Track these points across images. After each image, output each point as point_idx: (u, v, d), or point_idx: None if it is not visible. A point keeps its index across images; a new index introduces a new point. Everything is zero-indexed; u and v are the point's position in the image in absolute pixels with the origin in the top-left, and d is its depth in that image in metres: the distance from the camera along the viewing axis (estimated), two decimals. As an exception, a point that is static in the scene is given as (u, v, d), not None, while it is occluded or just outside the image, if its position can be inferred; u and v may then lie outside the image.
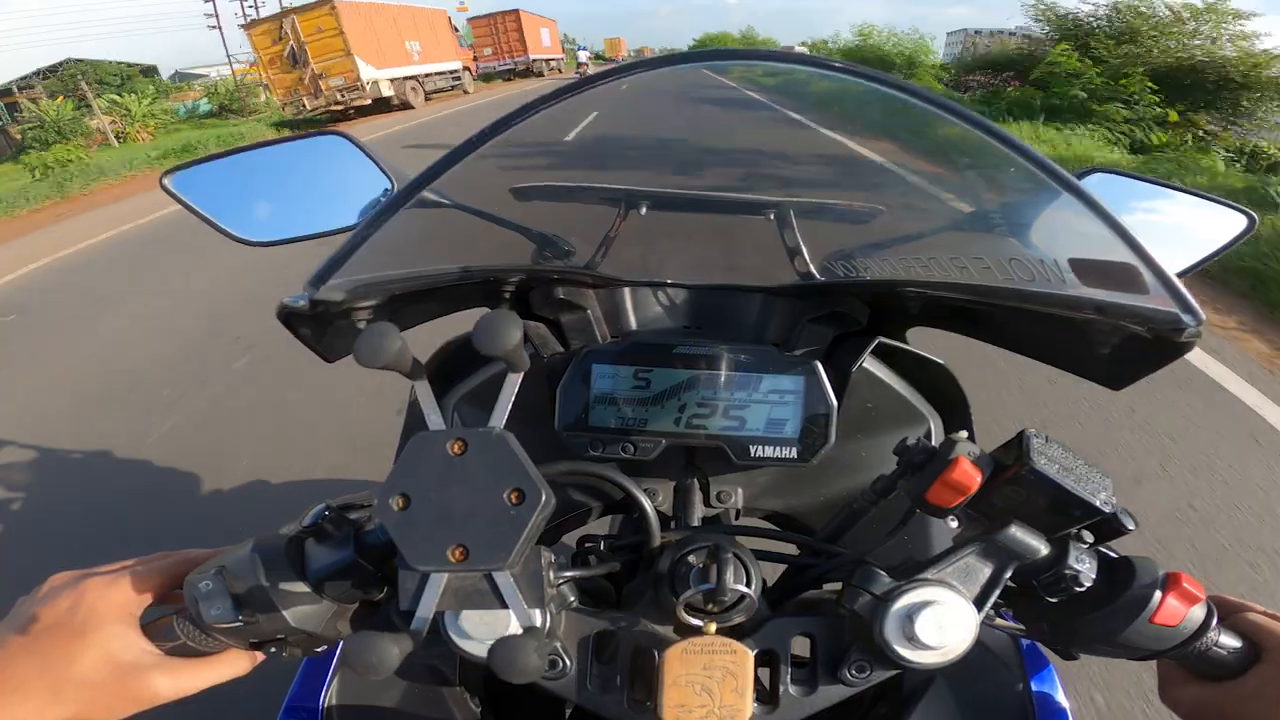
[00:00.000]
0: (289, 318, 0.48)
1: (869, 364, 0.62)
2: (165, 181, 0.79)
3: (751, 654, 0.47)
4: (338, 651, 0.63)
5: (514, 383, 0.39)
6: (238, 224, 0.77)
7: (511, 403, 0.39)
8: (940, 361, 0.63)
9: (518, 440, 0.39)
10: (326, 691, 0.61)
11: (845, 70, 0.43)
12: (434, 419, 0.39)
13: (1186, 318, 0.38)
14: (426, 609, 0.39)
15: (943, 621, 0.43)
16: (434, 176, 0.45)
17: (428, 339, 0.65)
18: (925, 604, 0.43)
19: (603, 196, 0.77)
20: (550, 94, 0.44)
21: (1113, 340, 0.45)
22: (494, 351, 0.36)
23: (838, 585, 0.53)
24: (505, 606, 0.39)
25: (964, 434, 0.47)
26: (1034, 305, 0.49)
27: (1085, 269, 0.42)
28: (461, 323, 0.67)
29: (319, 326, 0.50)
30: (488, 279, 0.61)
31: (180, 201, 0.77)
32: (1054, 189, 0.40)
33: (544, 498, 0.37)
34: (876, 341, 0.61)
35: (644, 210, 0.74)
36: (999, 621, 0.53)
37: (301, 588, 0.44)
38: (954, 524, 0.57)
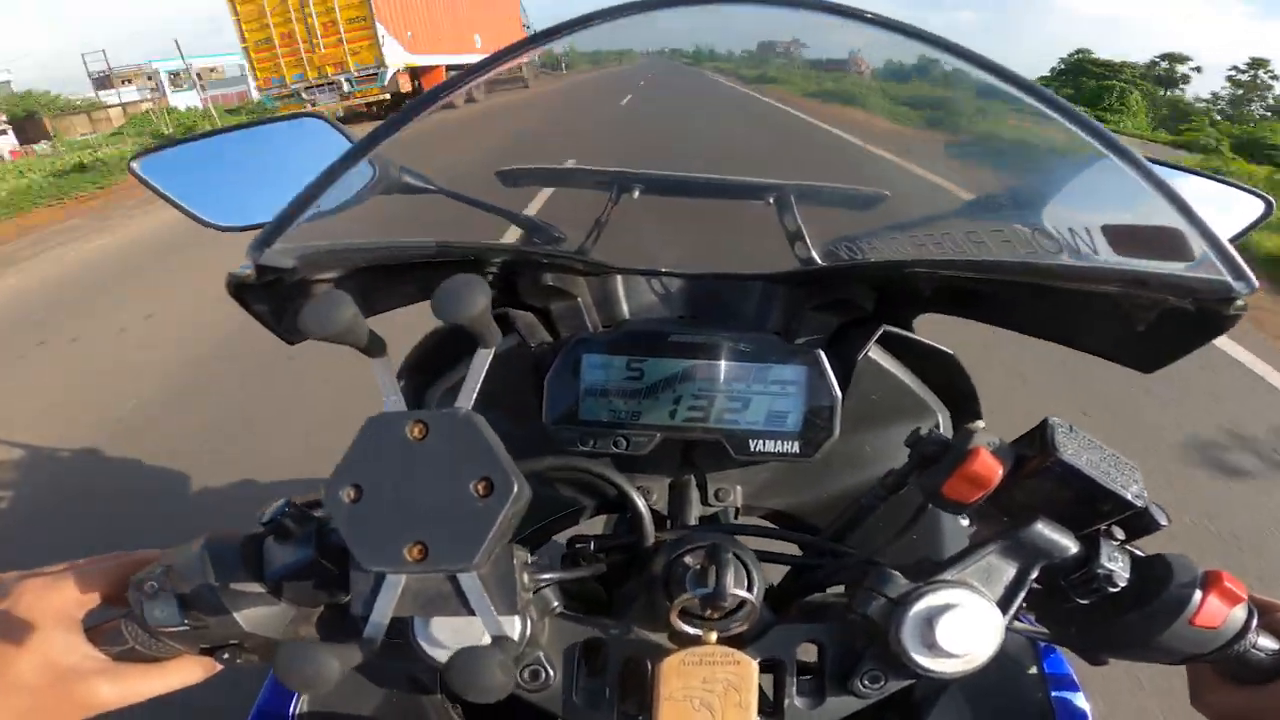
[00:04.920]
0: (240, 290, 0.44)
1: (874, 353, 0.58)
2: (134, 166, 0.75)
3: (756, 665, 0.43)
4: None
5: (484, 359, 0.35)
6: (209, 209, 0.74)
7: (480, 381, 0.35)
8: (949, 352, 0.60)
9: (496, 429, 0.35)
10: (298, 699, 0.58)
11: (868, 19, 0.39)
12: (392, 399, 0.35)
13: (1239, 285, 0.34)
14: (381, 614, 0.35)
15: (965, 626, 0.40)
16: (398, 126, 0.41)
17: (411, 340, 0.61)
18: (946, 607, 0.40)
19: (594, 180, 0.74)
20: (530, 39, 0.40)
21: (1148, 316, 0.41)
22: (456, 318, 0.32)
23: (842, 588, 0.49)
24: (471, 612, 0.35)
25: (981, 423, 0.44)
26: (1061, 281, 0.45)
27: (1121, 237, 0.39)
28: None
29: (276, 302, 0.47)
30: (468, 259, 0.57)
31: (149, 186, 0.74)
32: (1088, 149, 0.36)
33: (515, 488, 0.33)
34: (882, 330, 0.58)
35: (637, 194, 0.71)
36: (1018, 624, 0.49)
37: (256, 589, 0.41)
38: (965, 522, 0.54)
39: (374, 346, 0.34)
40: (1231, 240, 0.75)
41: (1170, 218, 0.34)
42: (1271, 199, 0.80)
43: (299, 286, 0.47)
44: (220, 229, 0.74)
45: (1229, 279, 0.34)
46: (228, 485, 2.57)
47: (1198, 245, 0.34)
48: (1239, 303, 0.35)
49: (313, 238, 0.43)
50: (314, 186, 0.40)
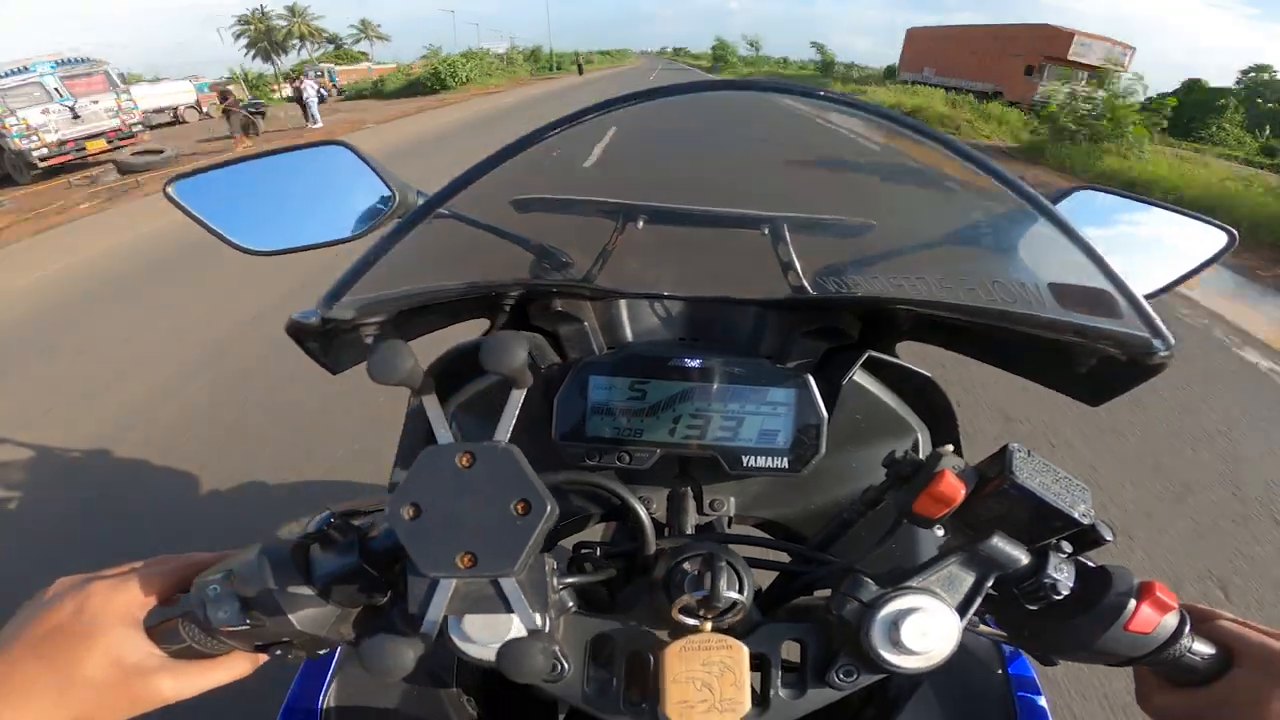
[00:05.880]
0: (298, 333, 0.49)
1: (859, 377, 0.63)
2: (169, 190, 0.79)
3: (747, 649, 0.48)
4: (337, 653, 0.64)
5: (518, 398, 0.41)
6: (241, 233, 0.77)
7: (515, 418, 0.41)
8: (928, 375, 0.65)
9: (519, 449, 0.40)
10: (325, 693, 0.62)
11: (837, 101, 0.44)
12: (443, 433, 0.41)
13: (1157, 342, 0.39)
14: (435, 613, 0.40)
15: (926, 628, 0.44)
16: (451, 194, 0.46)
17: (426, 345, 0.66)
18: (910, 611, 0.45)
19: (601, 210, 0.78)
20: (573, 115, 0.46)
21: (1090, 360, 0.46)
22: (501, 370, 0.37)
23: (828, 592, 0.55)
24: (510, 611, 0.41)
25: (950, 447, 0.48)
26: (1016, 326, 0.51)
27: (1063, 293, 0.44)
28: (458, 331, 0.68)
29: (327, 341, 0.52)
30: (489, 293, 0.62)
31: (184, 210, 0.78)
32: (1032, 213, 0.41)
33: (549, 509, 0.39)
34: (866, 355, 0.62)
35: (641, 224, 0.76)
36: (983, 628, 0.54)
37: (307, 592, 0.45)
38: (940, 533, 0.59)
39: (425, 387, 0.40)
40: (1192, 272, 0.81)
41: (1100, 280, 0.39)
42: (1234, 231, 0.84)
43: (348, 327, 0.52)
44: (250, 253, 0.78)
45: (1149, 337, 0.39)
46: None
47: (1123, 304, 0.39)
48: (1161, 354, 0.40)
49: (360, 283, 0.48)
50: (379, 247, 0.46)
